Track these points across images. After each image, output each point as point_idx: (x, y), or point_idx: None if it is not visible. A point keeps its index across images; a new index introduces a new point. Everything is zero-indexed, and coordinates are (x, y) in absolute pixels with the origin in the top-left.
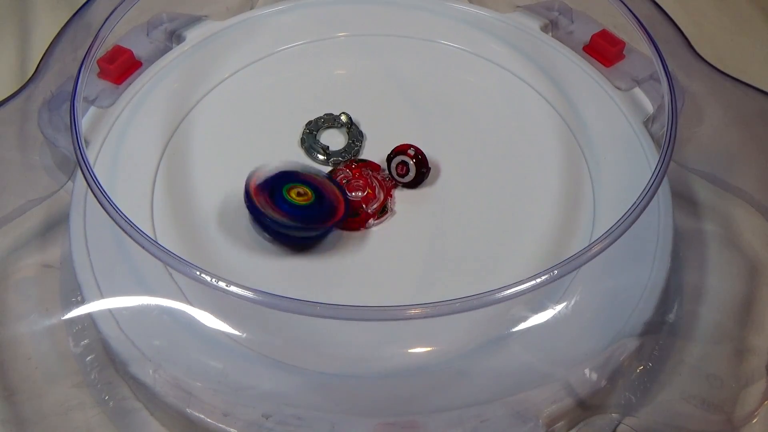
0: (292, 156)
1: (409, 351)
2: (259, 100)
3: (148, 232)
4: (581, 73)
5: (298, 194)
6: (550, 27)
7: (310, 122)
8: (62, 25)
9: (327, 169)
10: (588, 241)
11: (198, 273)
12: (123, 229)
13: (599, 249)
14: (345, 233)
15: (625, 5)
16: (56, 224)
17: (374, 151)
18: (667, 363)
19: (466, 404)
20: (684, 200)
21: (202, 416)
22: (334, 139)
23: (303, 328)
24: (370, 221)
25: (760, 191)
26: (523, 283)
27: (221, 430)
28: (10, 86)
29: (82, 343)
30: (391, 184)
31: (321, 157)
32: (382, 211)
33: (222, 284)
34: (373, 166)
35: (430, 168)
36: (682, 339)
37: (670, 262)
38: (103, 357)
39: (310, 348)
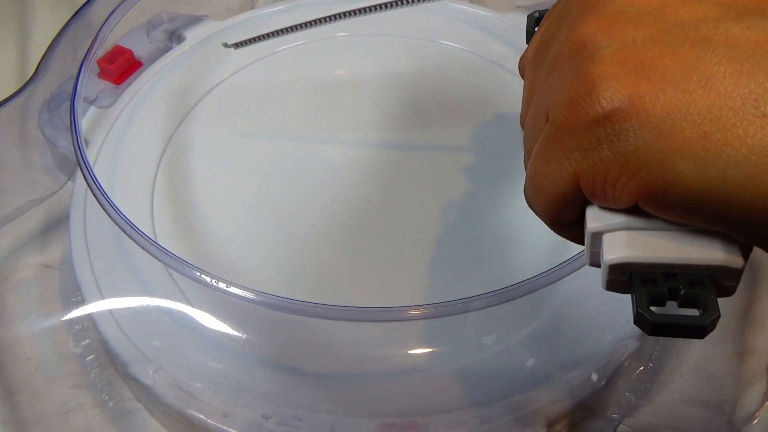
0: (293, 155)
1: (409, 352)
2: (259, 100)
3: (148, 232)
4: None
5: None
6: None
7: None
8: (62, 25)
9: None
10: None
11: (198, 274)
12: (123, 230)
13: None
14: (344, 234)
15: None
16: (56, 224)
17: (375, 151)
18: (667, 364)
19: (467, 405)
20: None
21: (203, 417)
22: None
23: (303, 329)
24: None
25: None
26: (524, 284)
27: (221, 430)
28: (10, 86)
29: (83, 343)
30: None
31: None
32: None
33: (222, 285)
34: None
35: None
36: (682, 340)
37: None
38: (103, 358)
39: (310, 349)
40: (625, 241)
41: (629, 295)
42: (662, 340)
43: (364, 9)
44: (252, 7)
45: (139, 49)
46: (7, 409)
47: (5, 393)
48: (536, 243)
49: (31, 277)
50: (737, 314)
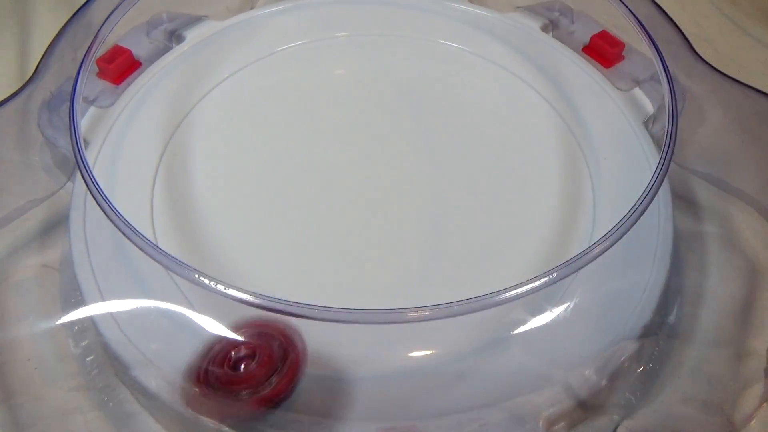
0: (293, 156)
1: (408, 354)
2: (259, 100)
3: (148, 233)
4: (581, 73)
5: None
6: (551, 27)
7: None
8: (62, 25)
9: None
10: (588, 242)
11: (196, 276)
12: (122, 232)
13: (600, 251)
14: (344, 236)
15: (625, 5)
16: (56, 225)
17: (375, 151)
18: (667, 364)
19: (466, 408)
20: (684, 201)
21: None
22: None
23: (303, 330)
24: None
25: (760, 193)
26: (523, 286)
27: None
28: (10, 86)
29: (82, 344)
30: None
31: None
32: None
33: (221, 287)
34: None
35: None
36: (682, 341)
37: (670, 264)
38: (103, 359)
39: (309, 351)
40: None
41: (629, 295)
42: (662, 340)
43: None
44: (252, 7)
45: (139, 49)
46: (6, 411)
47: (4, 395)
48: (536, 244)
49: (31, 277)
50: (737, 315)
